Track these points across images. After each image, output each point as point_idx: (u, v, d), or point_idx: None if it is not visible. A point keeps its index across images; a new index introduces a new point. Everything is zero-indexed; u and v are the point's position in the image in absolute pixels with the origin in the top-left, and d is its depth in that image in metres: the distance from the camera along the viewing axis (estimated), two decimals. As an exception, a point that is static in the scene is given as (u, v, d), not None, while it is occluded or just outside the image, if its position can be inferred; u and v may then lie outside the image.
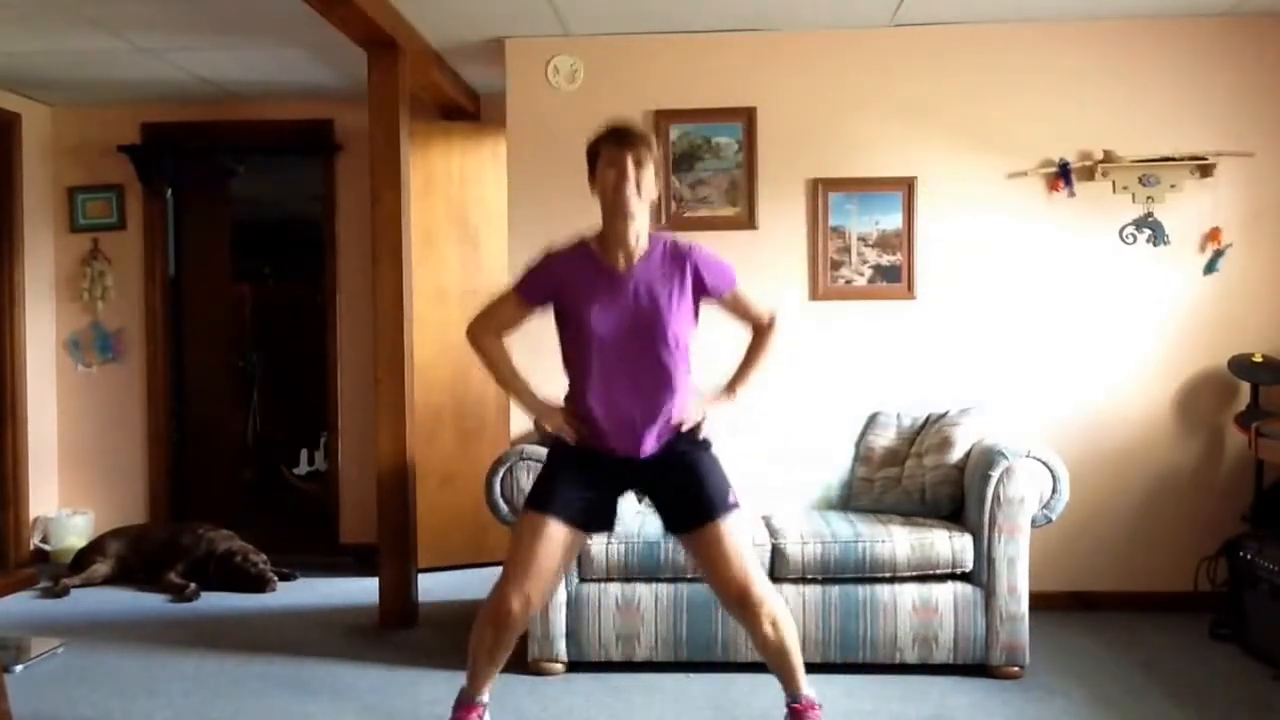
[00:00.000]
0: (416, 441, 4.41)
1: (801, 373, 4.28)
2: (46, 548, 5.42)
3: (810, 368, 4.29)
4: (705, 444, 2.81)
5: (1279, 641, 3.51)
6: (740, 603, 2.71)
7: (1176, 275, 4.25)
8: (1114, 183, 4.24)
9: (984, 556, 3.46)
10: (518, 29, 4.29)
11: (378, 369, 4.21)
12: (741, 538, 2.74)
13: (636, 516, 3.69)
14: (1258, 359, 4.10)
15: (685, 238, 2.88)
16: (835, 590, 3.49)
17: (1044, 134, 4.25)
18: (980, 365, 4.28)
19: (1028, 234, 4.28)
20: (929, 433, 3.90)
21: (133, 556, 4.94)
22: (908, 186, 4.29)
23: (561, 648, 3.53)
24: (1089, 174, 4.24)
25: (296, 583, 4.94)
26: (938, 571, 3.48)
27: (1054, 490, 3.49)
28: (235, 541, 4.91)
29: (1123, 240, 4.27)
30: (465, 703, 2.84)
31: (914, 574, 3.48)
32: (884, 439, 4.01)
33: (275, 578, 4.80)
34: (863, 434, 4.06)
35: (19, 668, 3.62)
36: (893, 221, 4.31)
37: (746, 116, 4.33)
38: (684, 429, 2.75)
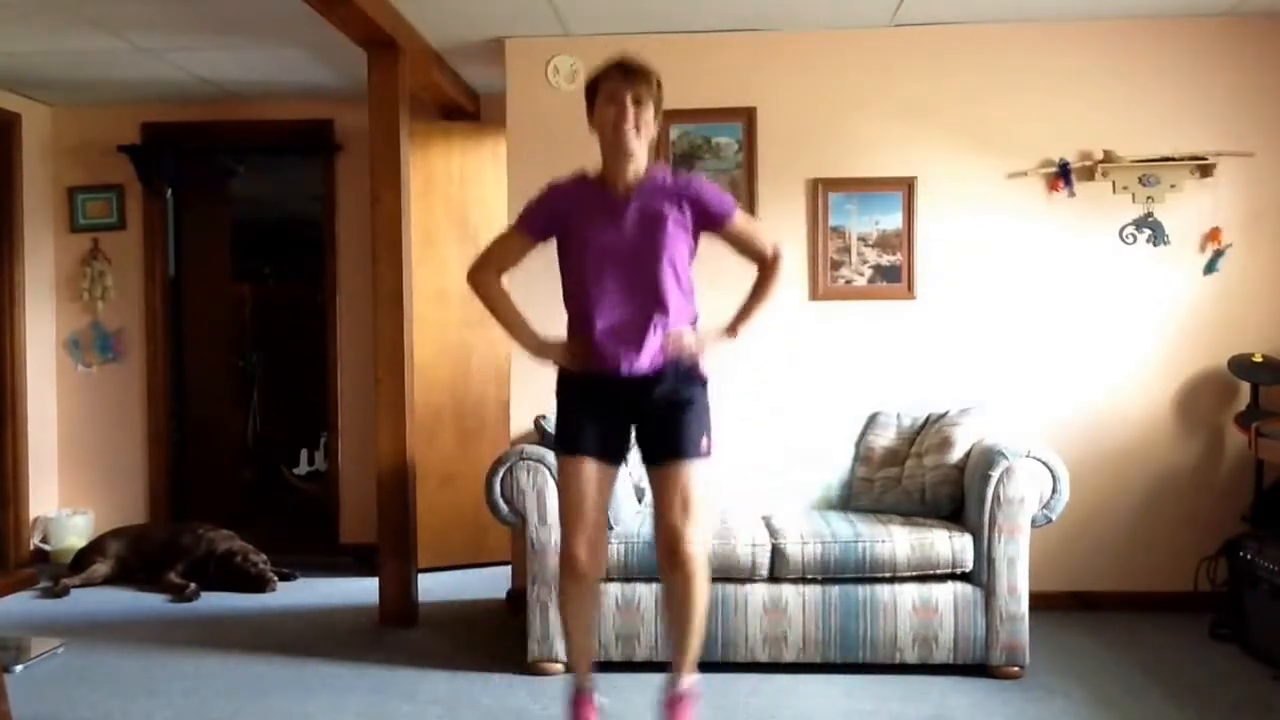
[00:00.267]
0: (416, 441, 4.41)
1: (801, 373, 4.29)
2: (46, 548, 5.42)
3: (810, 368, 4.30)
4: (702, 382, 2.82)
5: (1279, 641, 3.51)
6: (669, 549, 2.73)
7: (1176, 275, 4.25)
8: (1114, 183, 4.24)
9: (984, 556, 3.46)
10: (518, 29, 4.29)
11: (378, 369, 4.21)
12: (695, 486, 2.74)
13: (636, 516, 3.70)
14: (1258, 359, 4.10)
15: (684, 171, 2.88)
16: (835, 590, 3.49)
17: (1044, 134, 4.25)
18: (980, 365, 4.28)
19: (1028, 234, 4.28)
20: (929, 433, 3.90)
21: (133, 556, 4.94)
22: (908, 186, 4.29)
23: (561, 648, 3.52)
24: (1089, 174, 4.24)
25: (296, 583, 4.94)
26: (938, 571, 3.48)
27: (1054, 490, 3.49)
28: (235, 541, 4.91)
29: (1123, 240, 4.27)
30: (578, 695, 2.88)
31: (914, 574, 3.48)
32: (884, 439, 4.01)
33: (275, 578, 4.80)
34: (863, 434, 4.06)
35: (19, 668, 3.62)
36: (893, 221, 4.31)
37: (746, 116, 4.33)
38: (679, 359, 2.73)
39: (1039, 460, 3.48)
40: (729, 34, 4.30)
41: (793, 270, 4.31)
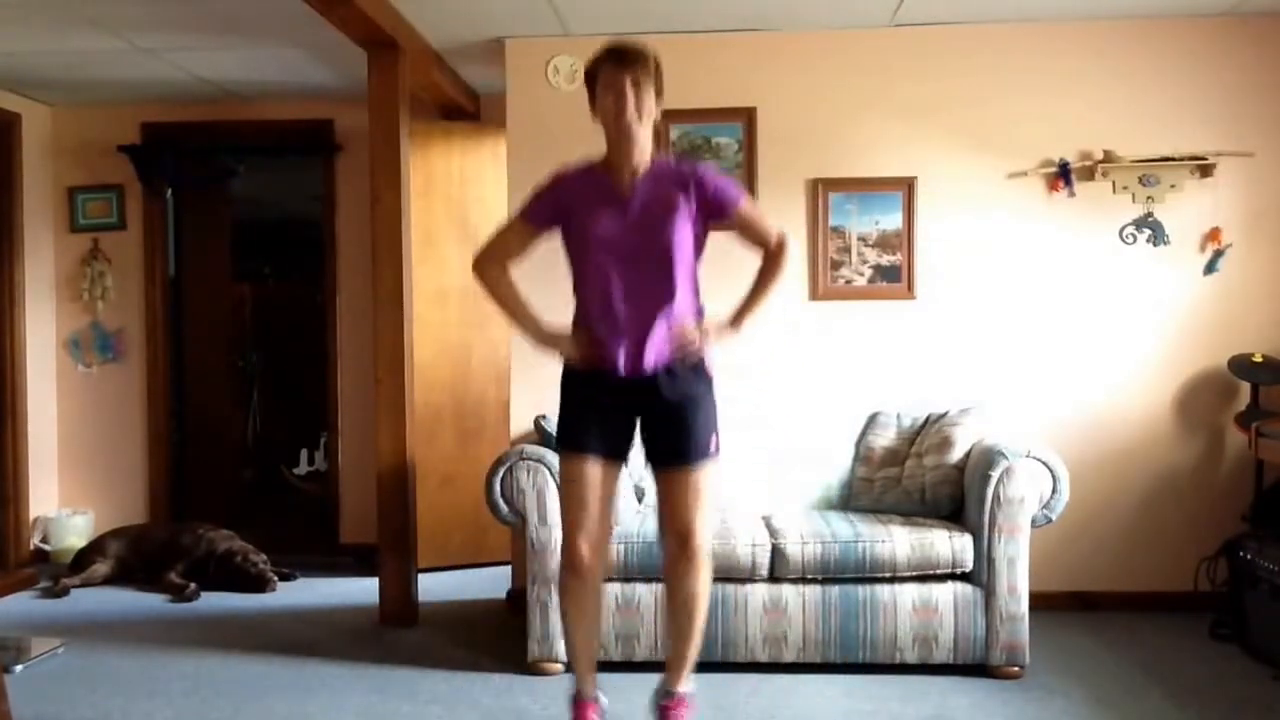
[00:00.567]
0: (416, 441, 4.41)
1: (801, 373, 4.29)
2: (46, 548, 5.42)
3: (810, 368, 4.30)
4: (706, 378, 2.80)
5: (1279, 641, 3.51)
6: (679, 547, 2.74)
7: (1176, 275, 4.25)
8: (1114, 183, 4.24)
9: (984, 556, 3.46)
10: (518, 29, 4.29)
11: (378, 369, 4.21)
12: (705, 487, 2.74)
13: (636, 516, 3.70)
14: (1258, 359, 4.10)
15: (690, 159, 2.87)
16: (835, 590, 3.49)
17: (1044, 134, 4.25)
18: (980, 365, 4.28)
19: (1028, 234, 4.28)
20: (929, 433, 3.90)
21: (133, 556, 4.94)
22: (908, 186, 4.29)
23: (562, 647, 3.52)
24: (1089, 174, 4.24)
25: (296, 583, 4.94)
26: (938, 571, 3.48)
27: (1054, 490, 3.49)
28: (235, 541, 4.91)
29: (1123, 240, 4.27)
30: (578, 700, 2.87)
31: (914, 574, 3.48)
32: (884, 439, 4.01)
33: (275, 578, 4.81)
34: (863, 434, 4.06)
35: (19, 668, 3.62)
36: (893, 221, 4.31)
37: (746, 116, 4.33)
38: (685, 354, 2.72)
39: (1039, 460, 3.48)
40: (729, 34, 4.30)
41: (793, 270, 4.29)
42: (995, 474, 3.45)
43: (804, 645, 3.48)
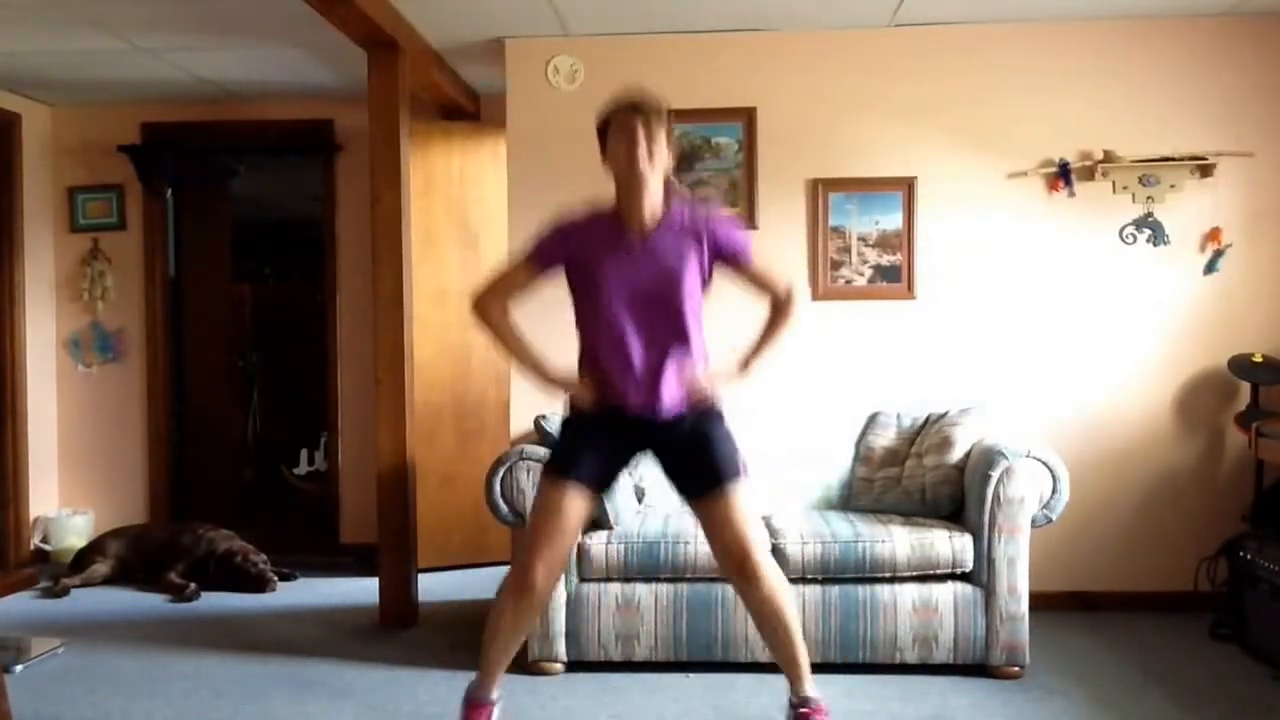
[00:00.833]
0: (416, 441, 4.41)
1: (801, 373, 4.28)
2: (46, 548, 5.42)
3: (810, 368, 4.29)
4: (718, 415, 2.80)
5: (1279, 641, 3.51)
6: (739, 570, 2.73)
7: (1176, 275, 4.25)
8: (1114, 183, 4.24)
9: (984, 556, 3.46)
10: (518, 29, 4.29)
11: (378, 369, 4.21)
12: (747, 506, 2.74)
13: (636, 516, 3.70)
14: (1258, 359, 4.10)
15: (702, 204, 2.86)
16: (835, 590, 3.49)
17: (1044, 134, 4.25)
18: (980, 365, 4.28)
19: (1028, 234, 4.28)
20: (929, 433, 3.90)
21: (133, 556, 4.94)
22: (908, 186, 4.29)
23: (561, 648, 3.53)
24: (1089, 174, 4.24)
25: (296, 583, 4.94)
26: (938, 571, 3.48)
27: (1054, 490, 3.49)
28: (235, 541, 4.91)
29: (1123, 240, 4.27)
30: (475, 700, 2.83)
31: (914, 574, 3.48)
32: (884, 439, 4.01)
33: (275, 578, 4.81)
34: (863, 434, 4.06)
35: (19, 668, 3.62)
36: (893, 221, 4.31)
37: (746, 116, 4.33)
38: (696, 401, 2.73)
39: (1039, 460, 3.48)
40: (729, 34, 4.30)
41: (793, 270, 4.31)
42: (995, 474, 3.45)
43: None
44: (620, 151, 2.66)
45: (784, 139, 4.32)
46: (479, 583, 4.86)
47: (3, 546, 5.26)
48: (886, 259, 4.32)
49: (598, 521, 3.49)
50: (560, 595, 3.50)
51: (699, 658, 3.52)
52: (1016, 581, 3.45)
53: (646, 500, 3.90)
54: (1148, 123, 4.23)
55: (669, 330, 2.69)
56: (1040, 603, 3.78)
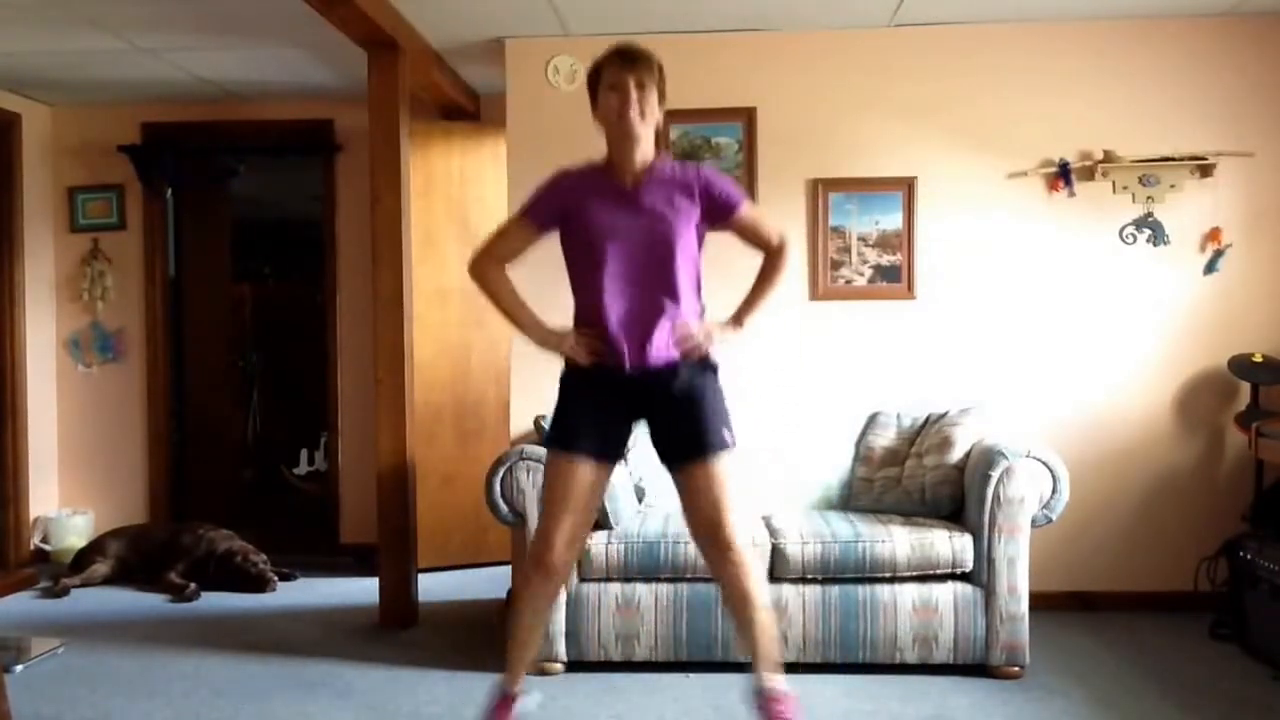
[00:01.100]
0: (416, 441, 4.41)
1: (801, 373, 4.29)
2: (46, 548, 5.42)
3: (810, 368, 4.30)
4: (712, 368, 2.79)
5: (1279, 641, 3.51)
6: (712, 539, 2.69)
7: (1176, 275, 4.25)
8: (1114, 183, 4.24)
9: (984, 556, 3.46)
10: (518, 29, 4.29)
11: (378, 369, 4.21)
12: (726, 478, 2.70)
13: (636, 516, 3.70)
14: (1258, 359, 4.10)
15: (693, 162, 2.86)
16: (835, 590, 3.49)
17: (1044, 134, 4.25)
18: (980, 365, 4.28)
19: (1028, 234, 4.28)
20: (929, 433, 3.90)
21: (133, 556, 4.94)
22: (908, 186, 4.29)
23: (561, 648, 3.53)
24: (1089, 174, 4.24)
25: (296, 583, 4.94)
26: (938, 571, 3.48)
27: (1054, 490, 3.49)
28: (235, 541, 4.91)
29: (1123, 240, 4.27)
30: (500, 697, 2.81)
31: (914, 574, 3.48)
32: (884, 439, 4.01)
33: (275, 578, 4.81)
34: (863, 434, 4.06)
35: (19, 668, 3.62)
36: (893, 221, 4.31)
37: (746, 116, 4.33)
38: (689, 351, 2.71)
39: (1039, 460, 3.48)
40: (729, 34, 4.30)
41: (793, 270, 4.30)
42: (995, 474, 3.45)
43: (804, 645, 3.48)
44: (612, 104, 2.66)
45: (784, 139, 4.32)
46: (479, 583, 4.86)
47: (3, 546, 5.27)
48: (886, 259, 4.32)
49: (598, 521, 3.48)
50: (560, 595, 3.50)
51: (699, 658, 3.52)
52: (1016, 581, 3.45)
53: (646, 500, 3.90)
54: (1148, 123, 4.23)
55: (662, 281, 2.68)
56: (1040, 603, 3.78)
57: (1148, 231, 4.26)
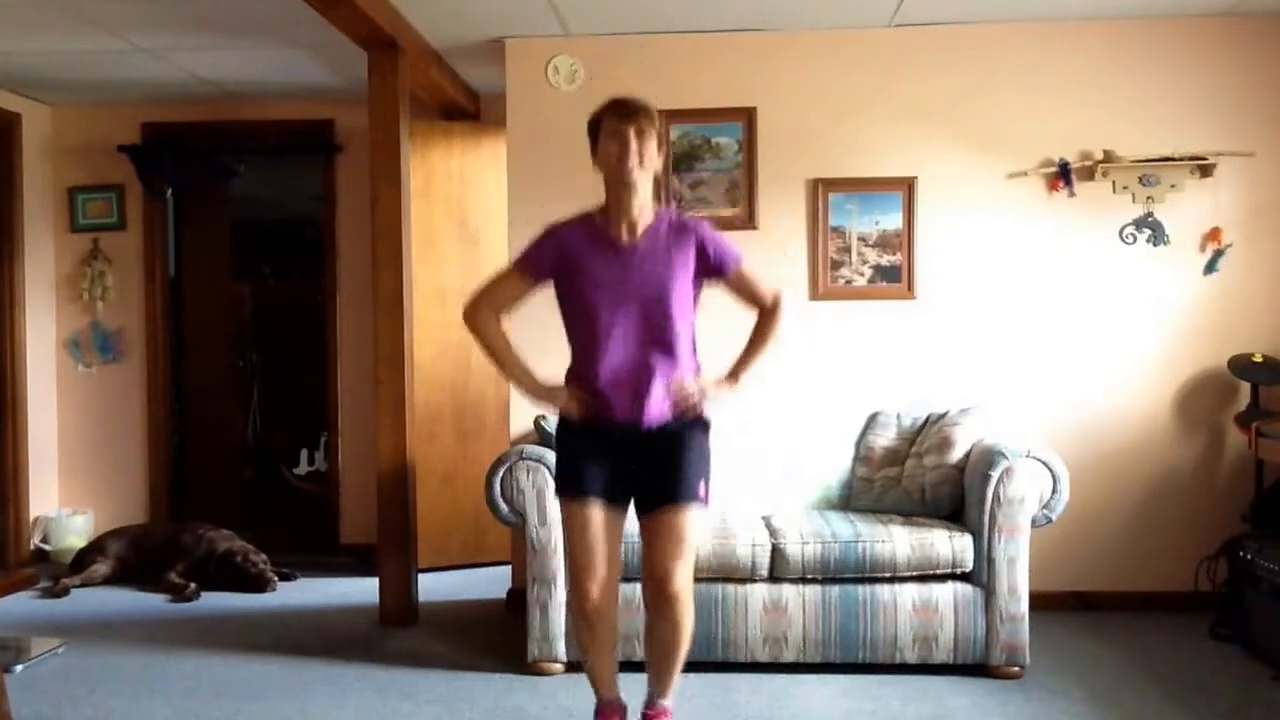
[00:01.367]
0: (416, 441, 4.41)
1: (801, 373, 4.29)
2: (46, 548, 5.42)
3: (810, 368, 4.29)
4: (705, 424, 2.78)
5: (1279, 641, 3.51)
6: (656, 590, 2.71)
7: (1176, 275, 4.25)
8: (1114, 183, 4.24)
9: (984, 556, 3.46)
10: (518, 29, 4.29)
11: (378, 369, 4.21)
12: (690, 533, 2.70)
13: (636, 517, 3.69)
14: (1258, 359, 4.10)
15: (691, 215, 2.86)
16: (835, 590, 3.49)
17: (1044, 134, 4.25)
18: (980, 365, 4.28)
19: (1028, 234, 4.28)
20: (929, 433, 3.90)
21: (133, 556, 4.94)
22: (908, 186, 4.29)
23: (561, 648, 3.53)
24: (1089, 174, 4.24)
25: (296, 583, 4.94)
26: (938, 571, 3.48)
27: (1054, 490, 3.49)
28: (235, 541, 4.91)
29: (1123, 240, 4.27)
30: (600, 709, 2.88)
31: (914, 574, 3.48)
32: (884, 439, 4.01)
33: (275, 578, 4.81)
34: (863, 434, 4.06)
35: (19, 668, 3.62)
36: (893, 221, 4.31)
37: (746, 116, 4.33)
38: (683, 410, 2.71)
39: (1039, 460, 3.48)
40: (729, 34, 4.30)
41: (793, 270, 4.32)
42: (995, 474, 3.45)
43: (804, 645, 3.48)
44: (611, 155, 2.66)
45: (784, 139, 4.32)
46: (479, 583, 4.87)
47: (3, 546, 5.26)
48: (886, 259, 4.32)
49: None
50: (560, 595, 3.49)
51: (699, 658, 3.51)
52: (1016, 581, 3.45)
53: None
54: (1148, 123, 4.23)
55: (657, 338, 2.68)
56: (1040, 603, 3.79)
57: (1148, 231, 4.26)
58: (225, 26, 4.24)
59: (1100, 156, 4.23)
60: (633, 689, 3.20)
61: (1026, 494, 3.45)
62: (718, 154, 4.34)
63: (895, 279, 4.32)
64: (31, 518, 5.43)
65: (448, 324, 5.13)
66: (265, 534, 5.25)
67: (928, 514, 3.69)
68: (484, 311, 2.85)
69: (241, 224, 6.91)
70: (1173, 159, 4.20)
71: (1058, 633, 3.90)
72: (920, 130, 4.28)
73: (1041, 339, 4.29)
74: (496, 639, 3.95)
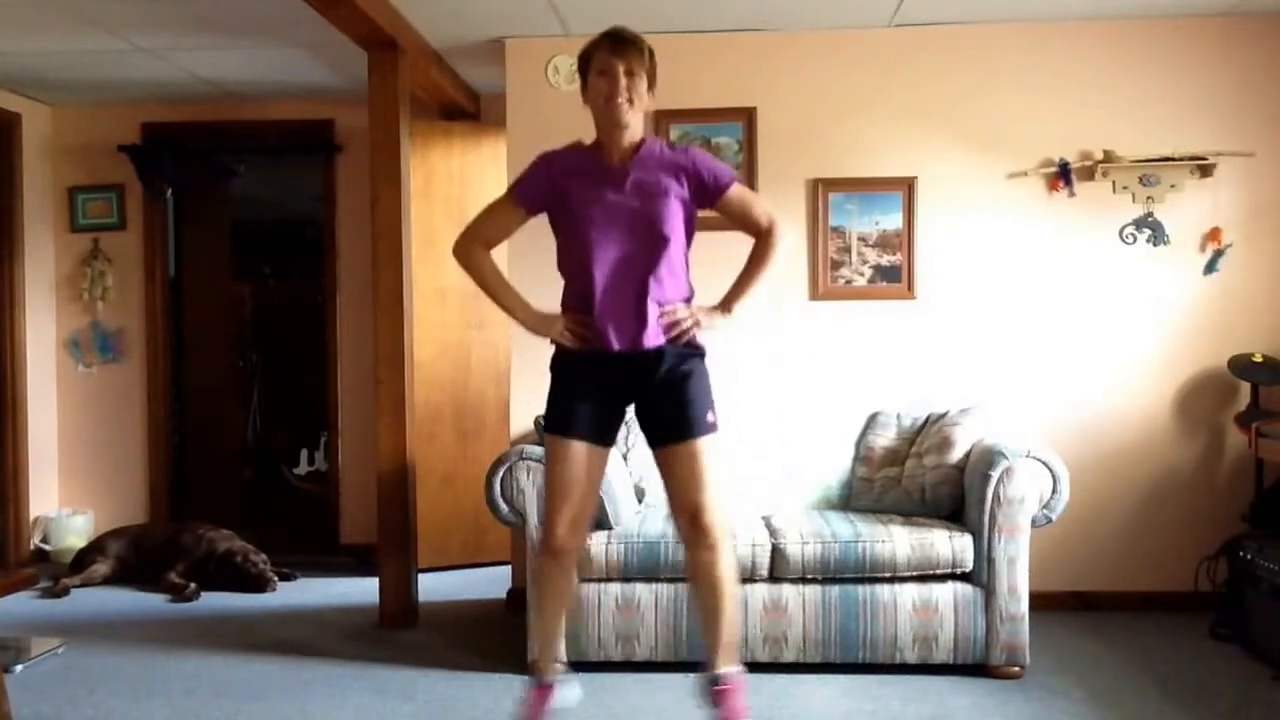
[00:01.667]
0: (416, 441, 4.42)
1: (801, 373, 4.29)
2: (46, 548, 5.42)
3: (810, 368, 4.30)
4: (700, 352, 2.78)
5: (1279, 641, 3.51)
6: (691, 521, 2.70)
7: (1176, 275, 4.25)
8: (1114, 183, 4.24)
9: (984, 556, 3.46)
10: (518, 29, 4.29)
11: (378, 369, 4.21)
12: (710, 461, 2.70)
13: (636, 516, 3.70)
14: (1258, 359, 4.10)
15: (682, 144, 2.87)
16: (835, 590, 3.49)
17: (1044, 134, 4.25)
18: (980, 365, 4.28)
19: (1028, 234, 4.28)
20: (929, 433, 3.90)
21: (133, 556, 4.94)
22: (908, 186, 4.29)
23: (561, 648, 3.52)
24: (1089, 174, 4.24)
25: (296, 583, 4.94)
26: (938, 571, 3.48)
27: (1054, 490, 3.49)
28: (235, 541, 4.91)
29: (1123, 240, 4.27)
30: (536, 684, 2.84)
31: (914, 574, 3.48)
32: (884, 439, 4.01)
33: (275, 578, 4.81)
34: (863, 434, 4.06)
35: (19, 668, 3.62)
36: (893, 221, 4.31)
37: (746, 116, 4.33)
38: (677, 335, 2.70)
39: (1039, 460, 3.48)
40: (729, 34, 4.30)
41: (793, 270, 4.32)
42: (995, 474, 3.44)
43: (804, 645, 3.48)
44: (600, 90, 2.66)
45: (784, 139, 4.32)
46: (479, 583, 4.87)
47: (3, 546, 5.27)
48: (886, 259, 4.32)
49: (598, 522, 3.48)
50: (576, 581, 3.47)
51: (699, 658, 3.49)
52: (1016, 581, 3.45)
53: (646, 500, 3.90)
54: (1148, 123, 4.23)
55: (650, 263, 2.67)
56: (1040, 603, 3.79)
57: (1148, 231, 4.26)
58: (225, 26, 4.24)
59: (1100, 156, 4.23)
60: (634, 689, 3.21)
61: (1026, 494, 3.45)
62: (718, 154, 4.34)
63: (895, 279, 4.32)
64: (31, 518, 5.43)
65: (448, 324, 5.14)
66: (265, 534, 5.25)
67: (928, 514, 3.69)
68: (475, 245, 2.85)
69: (241, 224, 6.92)
70: (1173, 159, 4.20)
71: (1058, 633, 3.90)
72: (920, 130, 4.28)
73: (1041, 339, 4.29)
74: (496, 639, 3.95)
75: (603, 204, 2.68)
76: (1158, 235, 4.25)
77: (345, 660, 3.74)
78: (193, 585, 4.68)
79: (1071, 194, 4.25)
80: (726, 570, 2.74)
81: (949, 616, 3.46)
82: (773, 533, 3.58)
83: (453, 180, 5.17)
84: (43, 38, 4.38)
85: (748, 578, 3.49)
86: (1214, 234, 4.22)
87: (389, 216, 4.18)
